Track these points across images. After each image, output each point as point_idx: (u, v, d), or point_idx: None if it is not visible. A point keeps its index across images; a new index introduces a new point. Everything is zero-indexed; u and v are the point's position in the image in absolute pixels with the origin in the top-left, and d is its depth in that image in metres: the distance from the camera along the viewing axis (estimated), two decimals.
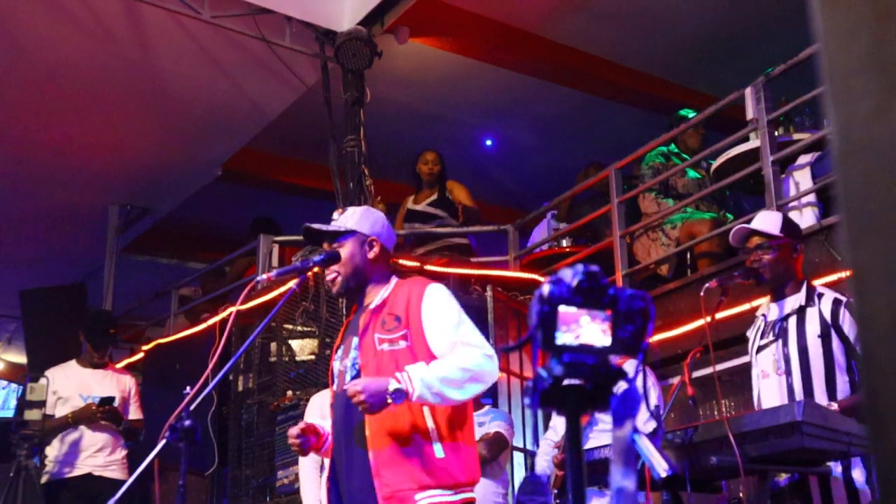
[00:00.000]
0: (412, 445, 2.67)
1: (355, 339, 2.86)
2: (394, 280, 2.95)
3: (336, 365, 2.93)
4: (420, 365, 2.64)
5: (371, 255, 2.92)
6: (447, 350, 2.70)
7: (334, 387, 2.94)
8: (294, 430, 2.83)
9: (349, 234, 2.92)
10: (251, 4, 6.25)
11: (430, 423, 2.69)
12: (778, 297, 3.41)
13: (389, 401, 2.57)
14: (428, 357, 2.72)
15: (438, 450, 2.68)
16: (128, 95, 7.31)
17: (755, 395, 3.43)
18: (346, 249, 2.90)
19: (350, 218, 2.96)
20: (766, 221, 3.45)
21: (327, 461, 4.78)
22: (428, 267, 5.83)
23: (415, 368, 2.62)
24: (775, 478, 3.17)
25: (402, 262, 5.75)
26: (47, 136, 7.73)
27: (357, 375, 2.78)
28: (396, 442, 2.67)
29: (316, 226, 2.97)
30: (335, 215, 3.01)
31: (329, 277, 2.92)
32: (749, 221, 3.57)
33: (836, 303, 3.26)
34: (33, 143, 7.82)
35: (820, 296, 3.32)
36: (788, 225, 3.46)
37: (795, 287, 3.38)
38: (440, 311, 2.77)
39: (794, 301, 3.34)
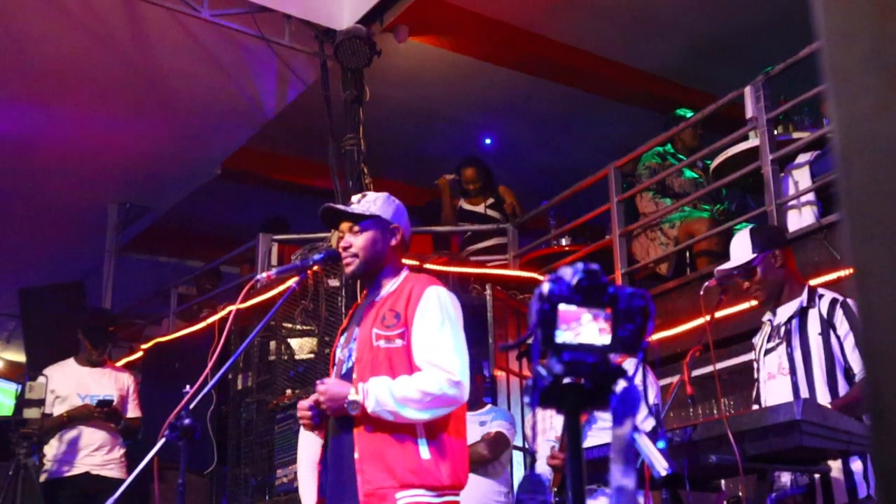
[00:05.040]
0: (398, 444, 2.65)
1: (357, 330, 2.84)
2: (404, 273, 2.91)
3: (338, 352, 2.92)
4: (382, 381, 2.64)
5: (393, 242, 2.90)
6: (420, 365, 2.69)
7: (333, 374, 2.92)
8: (305, 403, 2.78)
9: (372, 218, 2.88)
10: (250, 3, 6.24)
11: (418, 424, 2.67)
12: (779, 303, 3.40)
13: (348, 409, 2.63)
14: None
15: (424, 450, 2.65)
16: (127, 93, 7.30)
17: (762, 397, 3.41)
18: (367, 234, 2.86)
19: (374, 203, 2.91)
20: (736, 252, 3.40)
21: None
22: (427, 265, 5.82)
23: (374, 384, 2.63)
24: (783, 485, 3.18)
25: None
26: (46, 133, 7.72)
27: (353, 367, 2.78)
28: (382, 439, 2.66)
29: (340, 206, 2.94)
30: (355, 199, 2.96)
31: (346, 260, 2.88)
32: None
33: (833, 302, 3.27)
34: (31, 140, 7.81)
35: (820, 297, 3.32)
36: (759, 238, 3.39)
37: (796, 290, 3.37)
38: (427, 320, 2.73)
39: (796, 303, 3.34)
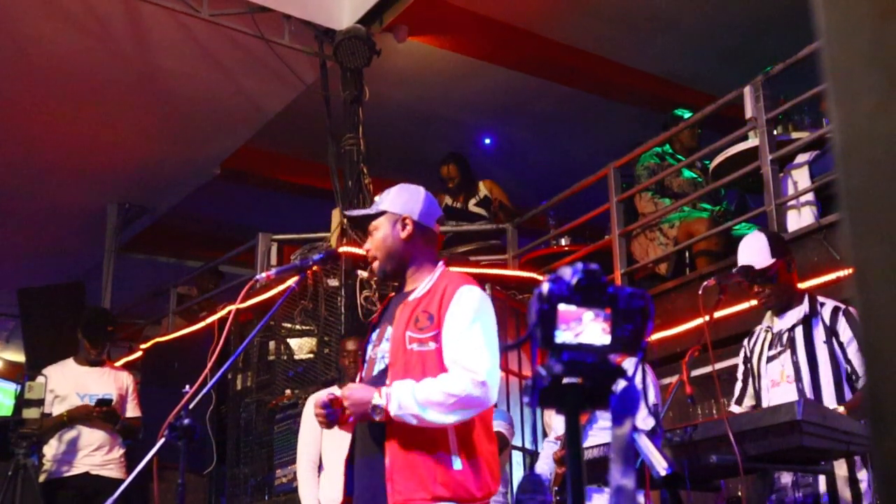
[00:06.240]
0: (430, 454, 2.59)
1: (389, 329, 2.77)
2: (439, 271, 2.82)
3: (369, 350, 2.85)
4: (406, 384, 2.58)
5: (404, 234, 2.80)
6: (448, 365, 2.63)
7: (363, 373, 2.85)
8: (321, 401, 2.71)
9: (382, 214, 2.83)
10: (250, 3, 6.24)
11: (450, 433, 2.61)
12: (782, 311, 3.40)
13: (372, 414, 2.57)
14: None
15: (456, 461, 2.59)
16: (126, 93, 7.30)
17: (764, 405, 3.41)
18: (377, 232, 2.82)
19: (383, 199, 2.87)
20: (751, 254, 3.37)
21: (325, 460, 4.76)
22: None
23: (398, 388, 2.57)
24: (783, 486, 3.17)
25: None
26: (45, 134, 7.72)
27: (385, 369, 2.71)
28: (414, 448, 2.59)
29: (353, 213, 3.04)
30: (376, 199, 2.94)
31: (370, 265, 2.86)
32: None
33: (836, 310, 3.29)
34: (31, 141, 7.81)
35: (822, 305, 3.34)
36: (776, 244, 3.39)
37: (797, 298, 3.38)
38: (457, 320, 2.66)
39: (799, 312, 3.34)
